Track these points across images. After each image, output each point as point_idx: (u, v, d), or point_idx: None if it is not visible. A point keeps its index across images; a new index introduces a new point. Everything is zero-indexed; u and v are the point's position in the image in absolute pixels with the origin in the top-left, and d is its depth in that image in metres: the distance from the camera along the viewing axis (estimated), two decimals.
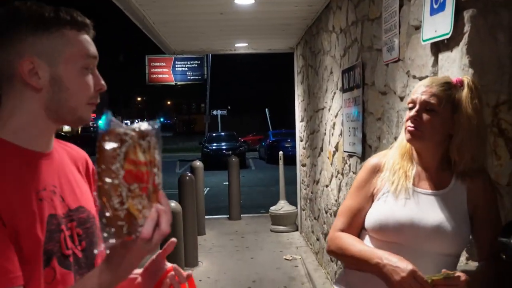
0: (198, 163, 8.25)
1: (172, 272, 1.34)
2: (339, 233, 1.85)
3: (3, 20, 1.15)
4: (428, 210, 1.73)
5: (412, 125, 1.73)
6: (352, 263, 1.82)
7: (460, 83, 1.74)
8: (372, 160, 1.91)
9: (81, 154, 1.40)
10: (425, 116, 1.72)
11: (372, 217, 1.79)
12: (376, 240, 1.78)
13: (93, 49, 1.22)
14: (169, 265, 1.36)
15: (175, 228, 4.97)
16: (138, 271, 1.38)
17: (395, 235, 1.73)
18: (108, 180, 0.98)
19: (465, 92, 1.72)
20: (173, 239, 1.34)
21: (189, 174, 7.05)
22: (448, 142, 1.75)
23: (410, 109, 1.77)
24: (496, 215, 1.78)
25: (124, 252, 1.06)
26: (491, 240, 1.67)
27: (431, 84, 1.75)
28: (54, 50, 1.16)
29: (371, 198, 1.83)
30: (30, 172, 1.16)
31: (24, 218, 1.10)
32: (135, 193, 1.01)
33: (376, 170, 1.85)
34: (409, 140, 1.77)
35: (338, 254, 1.86)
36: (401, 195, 1.75)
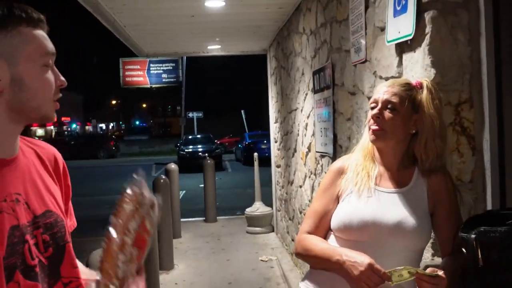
0: (173, 166, 8.21)
1: None
2: (304, 235, 1.89)
3: None
4: (390, 207, 1.77)
5: (374, 124, 1.77)
6: (317, 263, 1.86)
7: (420, 85, 1.80)
8: (337, 163, 1.95)
9: (50, 150, 1.36)
10: (387, 115, 1.76)
11: (337, 217, 1.82)
12: (341, 240, 1.82)
13: (50, 45, 1.20)
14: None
15: None
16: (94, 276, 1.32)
17: (359, 233, 1.76)
18: (120, 236, 1.02)
19: (425, 93, 1.78)
20: None
21: (163, 177, 7.02)
22: (409, 141, 1.80)
23: (372, 108, 1.81)
24: (456, 212, 1.83)
25: None
26: (453, 235, 1.71)
27: (393, 84, 1.81)
28: (12, 49, 1.13)
29: (336, 200, 1.87)
30: None
31: None
32: (133, 259, 1.05)
33: (340, 173, 1.90)
34: (373, 141, 1.81)
35: (304, 255, 1.90)
36: (364, 195, 1.79)
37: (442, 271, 1.62)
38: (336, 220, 1.82)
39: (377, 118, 1.77)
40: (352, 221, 1.77)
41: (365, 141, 1.88)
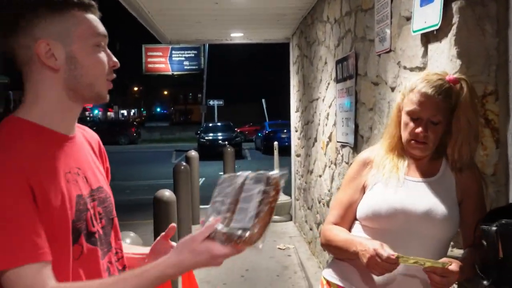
0: (193, 153, 8.27)
1: None
2: (328, 226, 1.90)
3: (17, 5, 1.21)
4: (419, 196, 1.77)
5: (421, 139, 1.76)
6: (339, 253, 1.88)
7: (455, 82, 1.76)
8: (363, 154, 1.95)
9: (95, 136, 1.48)
10: (431, 130, 1.76)
11: (365, 206, 1.83)
12: (369, 229, 1.82)
13: (101, 27, 1.29)
14: (173, 243, 1.50)
15: (169, 217, 4.99)
16: (146, 250, 1.54)
17: (387, 221, 1.76)
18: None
19: (465, 94, 1.75)
20: (173, 224, 1.53)
21: (184, 164, 7.08)
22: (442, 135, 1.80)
23: (413, 120, 1.77)
24: (482, 205, 1.83)
25: (203, 257, 1.24)
26: (476, 227, 1.71)
27: (432, 93, 1.73)
28: (66, 31, 1.22)
29: (362, 191, 1.87)
30: (59, 155, 1.24)
31: (54, 198, 1.17)
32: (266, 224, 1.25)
33: (366, 164, 1.89)
34: (415, 153, 1.81)
35: (327, 246, 1.92)
36: (392, 184, 1.79)
37: (455, 264, 1.62)
38: (364, 208, 1.83)
39: (424, 136, 1.75)
40: (381, 208, 1.77)
41: (391, 134, 1.87)
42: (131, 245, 1.64)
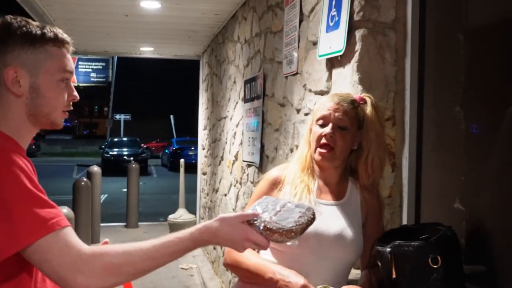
0: (95, 168, 7.97)
1: None
2: None
3: None
4: (330, 220, 1.77)
5: (326, 142, 1.76)
6: (247, 277, 1.81)
7: (363, 101, 1.82)
8: (273, 173, 1.91)
9: None
10: (339, 134, 1.76)
11: None
12: (277, 252, 1.79)
13: (70, 64, 1.39)
14: None
15: None
16: None
17: (299, 245, 1.74)
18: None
19: (370, 109, 1.80)
20: (106, 240, 1.58)
21: (85, 179, 6.79)
22: (349, 155, 1.83)
23: (321, 125, 1.79)
24: (381, 226, 1.88)
25: (237, 236, 1.35)
26: (372, 248, 1.75)
27: (341, 101, 1.79)
28: (36, 63, 1.32)
29: None
30: (27, 164, 1.30)
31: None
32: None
33: (276, 183, 1.86)
34: (321, 161, 1.80)
35: (234, 267, 1.84)
36: None
37: None
38: None
39: (331, 137, 1.76)
40: None
41: (303, 153, 1.86)
42: None
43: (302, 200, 1.76)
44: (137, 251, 1.27)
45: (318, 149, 1.78)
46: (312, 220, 1.43)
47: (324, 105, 1.82)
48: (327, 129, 1.77)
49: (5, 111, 1.33)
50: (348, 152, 1.81)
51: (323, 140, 1.77)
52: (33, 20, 1.38)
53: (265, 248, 1.38)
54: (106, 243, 1.52)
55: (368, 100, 1.83)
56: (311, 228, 1.69)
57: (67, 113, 1.40)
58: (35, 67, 1.32)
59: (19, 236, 1.16)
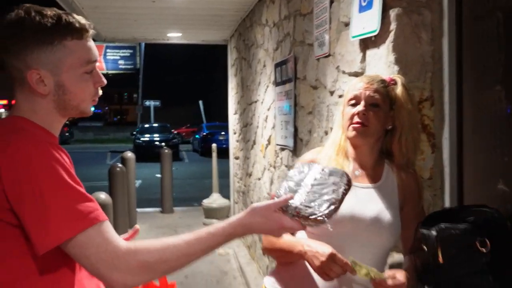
0: (129, 154, 8.06)
1: None
2: None
3: (11, 32, 1.26)
4: (366, 203, 1.77)
5: (359, 120, 1.76)
6: (281, 256, 1.83)
7: (393, 82, 1.81)
8: (307, 156, 1.92)
9: None
10: (371, 112, 1.76)
11: None
12: (313, 235, 1.78)
13: (93, 54, 1.35)
14: None
15: None
16: None
17: (334, 228, 1.74)
18: None
19: (400, 89, 1.80)
20: (137, 226, 1.63)
21: (120, 165, 6.89)
22: (384, 137, 1.81)
23: (353, 105, 1.79)
24: (422, 209, 1.86)
25: (272, 226, 1.37)
26: (416, 231, 1.73)
27: (371, 81, 1.80)
28: (57, 61, 1.29)
29: None
30: (61, 153, 1.30)
31: None
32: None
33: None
34: (354, 137, 1.78)
35: (269, 249, 1.87)
36: None
37: (400, 274, 1.64)
38: None
39: (363, 115, 1.75)
40: None
41: (337, 137, 1.86)
42: None
43: None
44: (170, 248, 1.28)
45: (352, 125, 1.78)
46: (348, 188, 1.41)
47: (354, 86, 1.82)
48: (360, 107, 1.77)
49: (33, 106, 1.32)
50: (382, 132, 1.80)
51: (356, 119, 1.77)
52: (62, 8, 1.34)
53: (302, 230, 1.40)
54: (137, 230, 1.61)
55: (399, 80, 1.82)
56: (347, 211, 1.69)
57: (96, 99, 1.40)
58: (56, 66, 1.29)
59: (58, 230, 1.17)
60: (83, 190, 1.23)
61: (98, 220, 1.21)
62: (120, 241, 1.25)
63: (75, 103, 1.34)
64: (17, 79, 1.31)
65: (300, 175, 1.51)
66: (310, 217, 1.34)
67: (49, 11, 1.28)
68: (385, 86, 1.80)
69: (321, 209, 1.35)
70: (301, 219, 1.35)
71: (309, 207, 1.36)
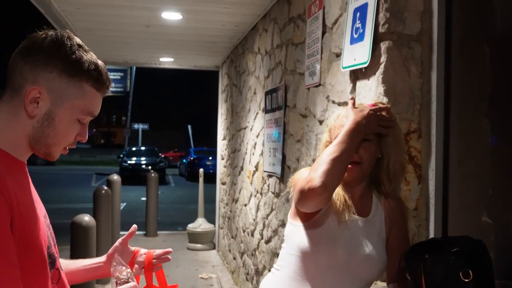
0: (115, 177, 8.01)
1: (141, 252, 1.65)
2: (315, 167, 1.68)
3: (46, 46, 1.23)
4: (360, 237, 1.74)
5: (353, 159, 1.71)
6: (343, 158, 1.65)
7: (376, 108, 1.79)
8: (304, 174, 1.77)
9: None
10: (363, 148, 1.73)
11: (316, 238, 1.73)
12: (309, 275, 1.75)
13: (97, 110, 1.33)
14: (134, 248, 1.67)
15: (88, 242, 4.78)
16: (102, 259, 1.62)
17: (330, 260, 1.72)
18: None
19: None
20: (135, 226, 1.67)
21: (105, 187, 6.84)
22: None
23: None
24: (407, 239, 1.84)
25: None
26: (400, 261, 1.73)
27: None
28: (65, 94, 1.25)
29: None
30: (26, 181, 1.28)
31: (31, 224, 1.20)
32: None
33: None
34: (351, 180, 1.75)
35: (331, 168, 1.62)
36: (343, 219, 1.73)
37: None
38: (315, 240, 1.73)
39: (356, 153, 1.71)
40: (327, 245, 1.71)
41: None
42: (75, 260, 1.65)
43: (343, 213, 1.73)
44: None
45: (349, 169, 1.72)
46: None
47: (341, 121, 1.78)
48: None
49: (9, 124, 1.25)
50: (374, 163, 1.78)
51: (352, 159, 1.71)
52: (55, 29, 1.28)
53: None
54: (135, 228, 1.68)
55: (380, 105, 1.80)
56: (343, 244, 1.67)
57: (67, 149, 1.34)
58: (61, 98, 1.25)
59: None
60: (15, 260, 1.13)
61: None
62: None
63: (50, 141, 1.27)
64: (15, 88, 1.25)
65: None
66: None
67: (89, 53, 1.29)
68: None
69: None
70: None
71: None
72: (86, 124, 1.33)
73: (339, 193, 1.76)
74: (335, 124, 1.82)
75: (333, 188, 1.64)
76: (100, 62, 1.31)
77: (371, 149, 1.74)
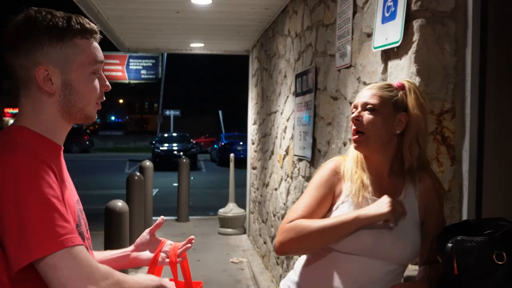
0: (147, 163, 8.12)
1: (168, 244, 1.70)
2: (294, 221, 1.73)
3: (22, 30, 1.26)
4: (387, 224, 1.70)
5: (355, 128, 1.75)
6: (320, 238, 1.69)
7: (401, 86, 1.78)
8: (331, 163, 1.85)
9: None
10: (366, 116, 1.74)
11: None
12: (329, 250, 1.74)
13: (100, 55, 1.36)
14: (160, 239, 1.70)
15: (121, 228, 4.86)
16: (129, 248, 1.68)
17: (354, 245, 1.70)
18: None
19: (408, 93, 1.76)
20: (162, 217, 1.70)
21: (138, 173, 6.94)
22: (397, 144, 1.76)
23: (353, 114, 1.79)
24: (442, 221, 1.80)
25: None
26: (431, 243, 1.70)
27: (372, 87, 1.80)
28: (66, 59, 1.29)
29: (331, 197, 1.78)
30: (60, 163, 1.32)
31: (66, 197, 1.26)
32: None
33: (336, 172, 1.80)
34: (356, 148, 1.77)
35: (298, 238, 1.69)
36: (361, 205, 1.72)
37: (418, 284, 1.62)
38: None
39: (356, 120, 1.74)
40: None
41: (352, 149, 1.82)
42: (104, 251, 1.71)
43: (360, 199, 1.72)
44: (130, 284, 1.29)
45: (353, 138, 1.77)
46: None
47: (357, 96, 1.83)
48: (354, 113, 1.76)
49: (37, 110, 1.30)
50: (389, 136, 1.74)
51: (353, 126, 1.76)
52: (88, 18, 1.33)
53: None
54: (163, 220, 1.70)
55: (406, 84, 1.78)
56: (369, 227, 1.66)
57: (100, 104, 1.38)
58: (66, 64, 1.28)
59: (30, 248, 1.14)
60: (63, 209, 1.20)
61: (73, 244, 1.17)
62: (97, 264, 1.22)
63: (81, 105, 1.32)
64: (24, 81, 1.29)
65: None
66: None
67: (59, 13, 1.30)
68: (390, 90, 1.76)
69: None
70: None
71: None
72: (101, 74, 1.37)
73: (358, 177, 1.76)
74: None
75: (294, 254, 1.71)
76: (72, 14, 1.32)
77: (377, 120, 1.73)
